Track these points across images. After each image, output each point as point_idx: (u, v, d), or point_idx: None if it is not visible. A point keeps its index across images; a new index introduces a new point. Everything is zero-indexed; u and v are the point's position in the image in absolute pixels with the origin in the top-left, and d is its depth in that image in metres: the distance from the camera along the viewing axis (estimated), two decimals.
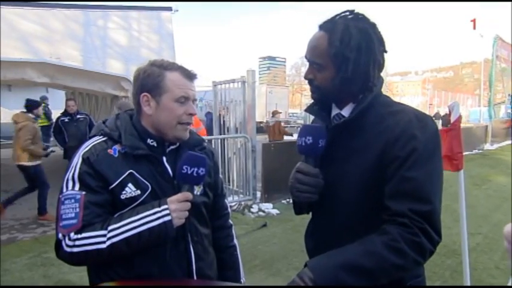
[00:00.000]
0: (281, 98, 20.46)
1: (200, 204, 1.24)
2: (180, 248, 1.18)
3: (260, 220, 5.00)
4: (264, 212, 5.36)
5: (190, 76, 1.18)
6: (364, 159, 1.01)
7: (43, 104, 10.79)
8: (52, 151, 10.78)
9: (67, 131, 6.03)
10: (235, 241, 1.45)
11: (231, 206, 5.49)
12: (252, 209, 5.41)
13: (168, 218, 1.07)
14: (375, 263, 0.87)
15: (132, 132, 1.16)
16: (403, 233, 0.88)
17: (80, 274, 3.30)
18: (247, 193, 5.70)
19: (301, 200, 1.09)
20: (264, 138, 13.04)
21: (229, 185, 5.83)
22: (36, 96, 11.30)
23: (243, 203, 5.58)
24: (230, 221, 1.46)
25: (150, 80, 1.14)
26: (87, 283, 1.20)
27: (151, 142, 1.17)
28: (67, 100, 6.49)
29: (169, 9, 14.30)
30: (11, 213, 5.03)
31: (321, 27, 1.05)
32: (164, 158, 1.18)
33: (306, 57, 1.09)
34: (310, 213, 1.22)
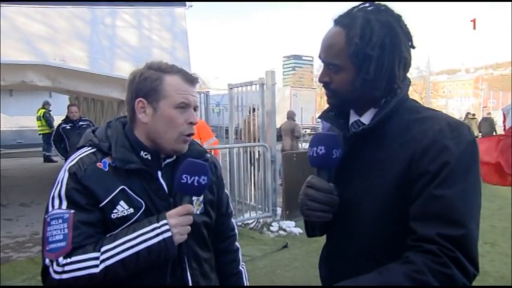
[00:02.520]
0: (307, 102, 20.34)
1: (200, 224, 1.23)
2: (176, 275, 1.17)
3: (280, 240, 4.95)
4: (285, 230, 5.30)
5: (191, 80, 1.19)
6: (386, 174, 0.97)
7: (44, 110, 11.22)
8: (54, 161, 11.17)
9: (69, 139, 6.20)
10: (242, 267, 1.44)
11: (247, 224, 5.48)
12: (271, 227, 5.37)
13: (168, 234, 1.07)
14: None
15: (124, 143, 1.17)
16: (430, 263, 0.84)
17: None
18: (266, 209, 5.66)
19: (313, 220, 1.06)
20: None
21: (246, 199, 5.82)
22: (38, 101, 11.80)
23: (261, 220, 5.56)
24: (237, 244, 1.45)
25: (147, 84, 1.15)
26: None
27: (145, 155, 1.17)
28: (69, 105, 6.70)
29: (183, 4, 14.63)
30: (6, 230, 5.20)
31: (337, 22, 1.03)
32: (159, 173, 1.19)
33: (320, 57, 1.07)
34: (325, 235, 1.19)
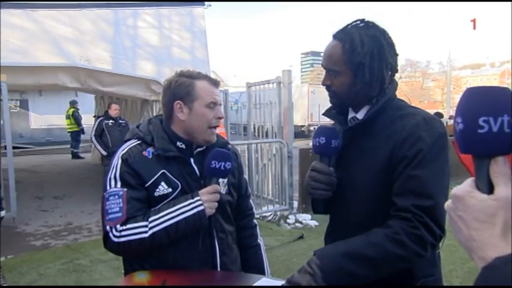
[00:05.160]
0: (325, 99, 19.71)
1: (225, 202, 1.50)
2: (206, 242, 1.44)
3: (296, 232, 5.17)
4: (301, 223, 5.52)
5: (215, 83, 1.48)
6: (374, 161, 1.21)
7: (73, 109, 11.76)
8: (82, 157, 11.69)
9: (110, 135, 6.35)
10: (260, 240, 1.70)
11: (265, 216, 5.73)
12: (288, 220, 5.60)
13: (201, 207, 1.35)
14: (377, 252, 1.07)
15: (163, 136, 1.45)
16: (405, 226, 1.08)
17: (112, 281, 3.70)
18: (283, 203, 5.91)
19: (316, 197, 1.31)
20: (304, 143, 13.18)
21: (264, 193, 6.07)
22: (66, 100, 12.37)
23: (278, 213, 5.80)
24: (254, 221, 1.71)
25: (182, 89, 1.43)
26: None
27: (181, 145, 1.45)
28: (112, 103, 6.85)
29: (202, 4, 14.94)
30: (44, 220, 5.65)
31: (335, 36, 1.28)
32: (192, 160, 1.46)
33: (322, 65, 1.32)
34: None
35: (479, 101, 0.53)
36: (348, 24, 1.27)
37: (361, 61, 1.21)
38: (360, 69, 1.22)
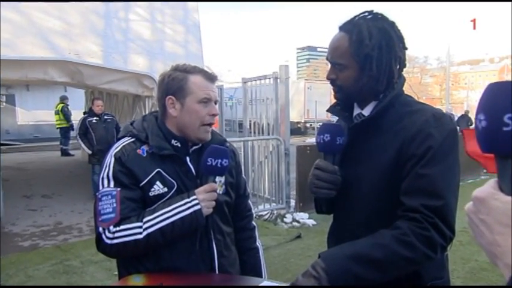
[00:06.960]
0: (322, 95, 20.27)
1: (222, 203, 1.47)
2: (204, 244, 1.41)
3: (294, 231, 5.17)
4: (298, 222, 5.51)
5: (211, 78, 1.43)
6: (381, 159, 1.18)
7: (62, 104, 11.63)
8: (71, 154, 11.57)
9: (95, 133, 6.27)
10: (258, 243, 1.67)
11: (261, 215, 5.71)
12: (285, 219, 5.58)
13: (197, 207, 1.31)
14: (384, 255, 1.04)
15: (158, 133, 1.41)
16: (414, 228, 1.05)
17: (103, 283, 3.66)
18: (280, 201, 5.89)
19: (319, 196, 1.28)
20: (300, 140, 13.15)
21: (260, 192, 6.05)
22: (55, 95, 12.24)
23: (275, 212, 5.78)
24: (253, 223, 1.68)
25: (175, 83, 1.39)
26: None
27: (176, 143, 1.41)
28: (95, 99, 6.73)
29: None
30: (32, 219, 5.58)
31: (341, 28, 1.25)
32: (188, 158, 1.43)
33: (327, 58, 1.29)
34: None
35: (504, 97, 0.51)
36: (355, 16, 1.24)
37: (369, 53, 1.18)
38: (367, 62, 1.19)
